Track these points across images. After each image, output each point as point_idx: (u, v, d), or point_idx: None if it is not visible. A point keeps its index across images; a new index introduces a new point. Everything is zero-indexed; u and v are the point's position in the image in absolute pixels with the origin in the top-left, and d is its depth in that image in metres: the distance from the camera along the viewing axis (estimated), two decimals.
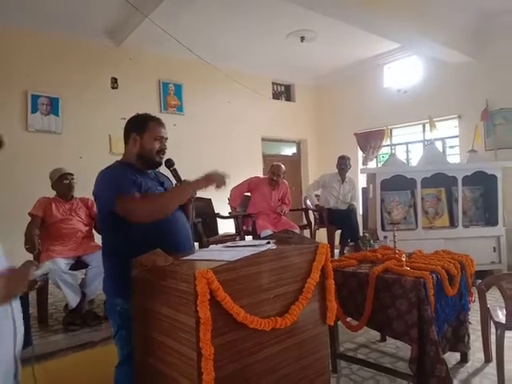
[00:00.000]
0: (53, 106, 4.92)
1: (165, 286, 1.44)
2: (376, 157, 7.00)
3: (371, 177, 4.56)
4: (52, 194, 3.33)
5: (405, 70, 6.61)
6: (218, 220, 4.69)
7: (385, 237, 3.51)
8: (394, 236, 2.52)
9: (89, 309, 3.01)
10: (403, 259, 2.30)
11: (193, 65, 5.87)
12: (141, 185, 1.70)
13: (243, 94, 6.46)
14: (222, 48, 5.75)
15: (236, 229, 4.69)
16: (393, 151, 6.67)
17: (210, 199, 4.61)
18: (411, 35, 5.03)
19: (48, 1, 4.32)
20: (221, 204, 4.76)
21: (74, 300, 2.85)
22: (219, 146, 6.31)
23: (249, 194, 4.69)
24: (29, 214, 3.13)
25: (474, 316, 2.80)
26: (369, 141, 6.85)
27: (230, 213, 4.69)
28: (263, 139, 7.15)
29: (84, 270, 3.04)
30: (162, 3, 4.25)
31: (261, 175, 5.84)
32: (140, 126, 1.78)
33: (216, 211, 4.67)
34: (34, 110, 4.80)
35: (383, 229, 4.35)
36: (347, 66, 6.90)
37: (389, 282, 2.16)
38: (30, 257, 2.95)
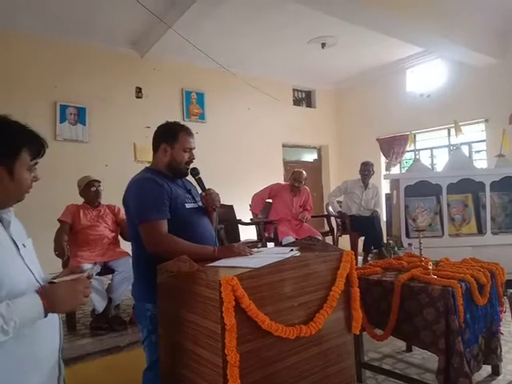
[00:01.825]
0: (80, 116, 5.08)
1: (190, 292, 1.46)
2: (399, 162, 6.89)
3: (395, 183, 4.48)
4: (80, 201, 3.43)
5: (428, 74, 6.50)
6: (240, 226, 4.71)
7: (409, 244, 3.44)
8: (420, 243, 2.47)
9: (115, 314, 3.07)
10: (430, 267, 2.25)
11: (214, 73, 5.96)
12: (171, 192, 1.73)
13: (264, 101, 6.50)
14: (242, 55, 5.81)
15: (258, 235, 4.70)
16: (417, 156, 6.54)
17: (231, 206, 4.65)
18: (434, 39, 4.96)
19: (76, 13, 4.48)
20: (242, 210, 4.79)
21: (100, 305, 2.91)
22: (240, 152, 6.36)
23: (270, 200, 4.70)
24: (58, 220, 3.24)
25: (506, 327, 2.70)
26: (392, 146, 6.75)
27: (251, 219, 4.70)
28: (284, 145, 7.15)
29: (110, 276, 3.11)
30: (184, 14, 4.34)
31: (282, 182, 5.83)
32: (171, 137, 1.81)
33: (238, 218, 4.69)
34: (63, 119, 4.98)
35: (408, 236, 4.26)
36: (369, 71, 6.84)
37: (415, 290, 2.12)
38: (59, 262, 3.05)
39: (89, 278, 1.19)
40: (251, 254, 1.73)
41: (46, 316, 1.05)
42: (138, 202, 1.71)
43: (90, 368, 2.49)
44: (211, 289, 1.35)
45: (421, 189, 4.28)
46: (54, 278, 1.16)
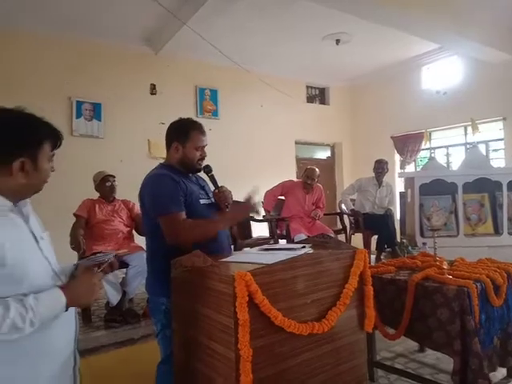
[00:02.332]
0: (95, 112, 5.15)
1: (204, 287, 1.48)
2: (414, 160, 6.80)
3: (409, 181, 4.42)
4: (96, 195, 3.49)
5: (444, 71, 6.39)
6: (252, 223, 4.72)
7: (424, 243, 3.40)
8: (435, 243, 2.44)
9: (128, 307, 3.12)
10: (445, 267, 2.22)
11: (228, 70, 5.96)
12: (186, 188, 1.75)
13: (277, 97, 6.48)
14: (255, 52, 5.80)
15: (270, 232, 4.70)
16: (432, 155, 6.44)
17: (245, 202, 4.65)
18: (451, 35, 4.87)
19: (91, 11, 4.53)
20: None
21: (114, 298, 2.96)
22: (253, 149, 6.36)
23: (283, 197, 4.69)
24: (74, 214, 3.30)
25: None
26: (407, 144, 6.67)
27: (263, 216, 4.70)
28: (297, 142, 7.13)
29: (124, 270, 3.16)
30: (198, 10, 4.35)
31: (294, 179, 5.82)
32: (182, 135, 1.82)
33: (250, 214, 4.70)
34: (79, 115, 5.05)
35: (422, 235, 4.20)
36: (384, 68, 6.76)
37: (429, 290, 2.09)
38: (75, 255, 3.11)
39: (111, 265, 1.25)
40: (256, 210, 1.81)
41: (66, 310, 1.09)
42: (155, 196, 1.73)
43: (104, 360, 2.54)
44: (225, 283, 1.36)
45: (436, 187, 4.21)
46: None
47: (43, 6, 4.33)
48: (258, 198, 1.86)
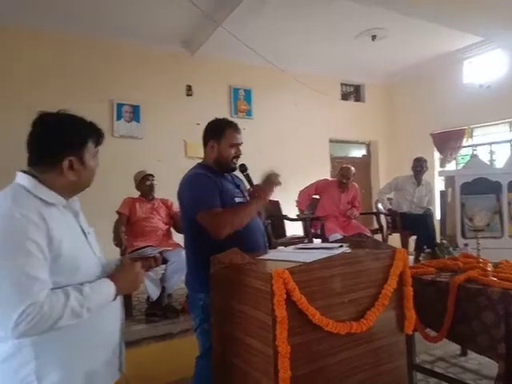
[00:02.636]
0: (135, 114, 5.33)
1: (241, 284, 1.50)
2: (455, 158, 6.53)
3: (450, 180, 4.28)
4: (136, 194, 3.62)
5: (488, 65, 6.09)
6: (286, 222, 4.72)
7: (465, 244, 3.27)
8: (478, 244, 2.35)
9: (168, 302, 3.22)
10: (489, 269, 2.14)
11: (261, 69, 5.99)
12: (222, 187, 1.79)
13: (311, 96, 6.43)
14: (289, 51, 5.78)
15: (304, 231, 4.69)
16: (474, 152, 6.17)
17: (277, 201, 4.67)
18: (495, 28, 4.65)
19: (130, 15, 4.68)
20: (288, 206, 4.79)
21: (154, 293, 3.07)
22: (286, 148, 6.34)
23: (317, 196, 4.66)
24: (117, 212, 3.45)
25: None
26: (447, 141, 6.42)
27: (297, 215, 4.69)
28: (331, 141, 7.04)
29: (164, 266, 3.26)
30: (233, 11, 4.41)
31: (329, 178, 5.76)
32: (217, 134, 1.89)
33: (284, 213, 4.71)
34: (119, 117, 5.25)
35: (463, 236, 4.06)
36: (422, 63, 6.53)
37: (472, 292, 2.02)
38: (118, 251, 3.25)
39: (155, 260, 1.34)
40: (277, 184, 1.86)
41: (115, 299, 1.18)
42: (193, 194, 1.78)
43: (145, 352, 2.64)
44: (262, 281, 1.38)
45: (479, 186, 4.05)
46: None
47: (82, 9, 4.52)
48: (275, 176, 1.93)
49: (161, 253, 1.41)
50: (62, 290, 1.06)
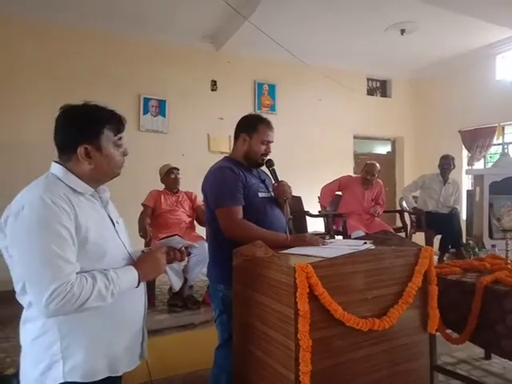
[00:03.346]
0: (160, 108, 5.42)
1: (264, 276, 1.52)
2: (484, 157, 6.33)
3: (478, 179, 4.17)
4: (161, 187, 3.70)
5: None
6: (308, 218, 4.70)
7: (493, 245, 3.20)
8: (507, 245, 2.29)
9: (189, 293, 3.29)
10: None
11: (285, 64, 5.96)
12: (246, 182, 1.81)
13: (335, 91, 6.36)
14: (314, 45, 5.72)
15: (325, 228, 4.66)
16: (505, 150, 5.96)
17: (300, 197, 4.66)
18: None
19: (157, 11, 4.74)
20: (310, 202, 4.78)
21: (177, 284, 3.14)
22: (310, 144, 6.31)
23: (340, 193, 4.62)
24: (142, 204, 3.53)
25: None
26: (476, 139, 6.22)
27: (319, 211, 4.67)
28: (355, 137, 6.95)
29: (186, 258, 3.32)
30: (259, 5, 4.40)
31: (352, 174, 5.69)
32: (251, 128, 1.90)
33: (305, 209, 4.69)
34: (145, 111, 5.35)
35: (491, 236, 3.96)
36: (452, 58, 6.34)
37: (499, 294, 1.97)
38: (143, 242, 3.33)
39: (181, 253, 1.41)
40: (323, 245, 1.75)
41: (138, 285, 1.22)
42: (215, 189, 1.81)
43: (167, 341, 2.70)
44: (286, 274, 1.39)
45: (508, 186, 3.93)
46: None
47: (111, 6, 4.61)
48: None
49: (186, 248, 1.43)
50: (88, 274, 1.11)
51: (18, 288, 1.15)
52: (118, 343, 1.22)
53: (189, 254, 1.47)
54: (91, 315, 1.13)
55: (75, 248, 1.10)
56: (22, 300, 1.16)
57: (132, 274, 1.21)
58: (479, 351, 2.71)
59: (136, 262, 1.27)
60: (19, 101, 4.64)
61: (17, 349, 2.66)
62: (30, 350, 1.16)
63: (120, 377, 1.28)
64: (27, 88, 4.69)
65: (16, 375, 2.20)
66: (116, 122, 1.24)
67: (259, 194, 1.87)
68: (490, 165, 6.16)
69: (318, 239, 1.79)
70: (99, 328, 1.17)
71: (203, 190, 1.91)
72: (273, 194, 1.94)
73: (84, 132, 1.19)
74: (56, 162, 1.21)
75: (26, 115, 4.63)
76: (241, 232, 1.73)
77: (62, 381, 1.12)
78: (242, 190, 1.80)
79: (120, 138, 1.26)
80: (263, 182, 1.95)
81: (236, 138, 1.96)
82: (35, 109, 4.62)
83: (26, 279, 1.08)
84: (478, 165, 6.33)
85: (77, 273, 1.09)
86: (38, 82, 4.74)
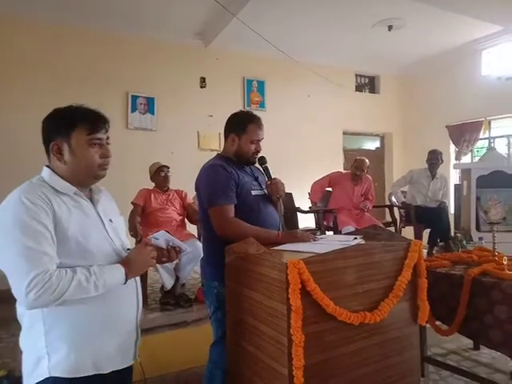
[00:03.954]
0: (149, 106, 5.38)
1: (257, 273, 1.53)
2: (471, 151, 6.43)
3: (466, 173, 4.22)
4: (150, 185, 3.67)
5: (507, 55, 5.94)
6: (299, 214, 4.73)
7: (480, 238, 3.24)
8: (494, 237, 2.33)
9: (181, 291, 3.28)
10: (504, 262, 2.12)
11: (274, 60, 5.97)
12: (239, 180, 1.81)
13: (324, 87, 6.39)
14: (303, 42, 5.73)
15: (316, 224, 4.69)
16: (491, 145, 6.06)
17: (290, 194, 4.68)
18: None
19: (145, 7, 4.70)
20: (301, 198, 4.80)
21: (169, 282, 3.13)
22: (299, 140, 6.33)
23: (330, 189, 4.65)
24: (132, 203, 3.50)
25: None
26: (463, 134, 6.31)
27: (310, 207, 4.70)
28: (344, 133, 7.00)
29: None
30: (248, 3, 4.39)
31: (342, 170, 5.74)
32: (239, 128, 1.87)
33: (296, 205, 4.72)
34: (134, 109, 5.31)
35: (478, 229, 4.02)
36: (439, 54, 6.41)
37: (487, 286, 2.01)
38: (133, 241, 3.31)
39: (169, 254, 1.40)
40: (314, 241, 1.76)
41: (125, 282, 1.22)
42: (207, 187, 1.81)
43: (159, 339, 2.70)
44: (278, 271, 1.40)
45: (495, 180, 3.99)
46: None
47: (100, 4, 4.56)
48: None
49: (174, 247, 1.42)
50: (69, 268, 1.13)
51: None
52: (107, 341, 1.22)
53: (179, 253, 1.45)
54: (76, 312, 1.15)
55: (54, 243, 1.12)
56: None
57: (118, 269, 1.21)
58: (468, 342, 2.76)
59: (123, 259, 1.26)
60: (7, 99, 4.55)
61: (8, 351, 2.64)
62: (23, 344, 1.21)
63: (128, 372, 1.31)
64: (15, 85, 4.61)
65: (7, 377, 2.19)
66: (91, 121, 1.24)
67: (252, 191, 1.86)
68: (477, 159, 6.26)
69: (310, 235, 1.80)
70: (84, 325, 1.18)
71: (196, 188, 1.90)
72: (266, 192, 1.94)
73: (55, 130, 1.22)
74: (47, 166, 1.26)
75: (14, 113, 4.55)
76: (232, 230, 1.73)
77: (48, 375, 1.14)
78: (235, 189, 1.80)
79: (97, 138, 1.24)
80: (256, 179, 1.95)
81: (226, 136, 1.94)
82: (23, 107, 4.55)
83: (8, 274, 1.10)
84: (466, 159, 6.43)
85: (58, 267, 1.11)
86: (26, 79, 4.67)
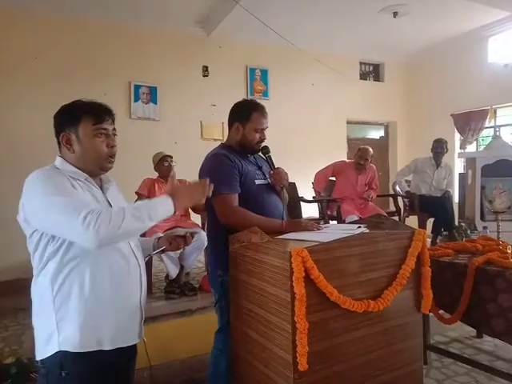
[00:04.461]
0: (152, 95, 5.35)
1: (261, 262, 1.53)
2: (476, 140, 6.38)
3: (471, 162, 4.20)
4: (153, 174, 3.68)
5: None
6: (302, 204, 4.73)
7: (484, 227, 3.23)
8: (498, 226, 2.32)
9: (186, 280, 3.31)
10: (509, 251, 2.12)
11: (278, 49, 5.90)
12: (242, 169, 1.81)
13: (328, 75, 6.32)
14: (307, 30, 5.66)
15: (320, 213, 4.69)
16: (497, 133, 6.00)
17: (294, 183, 4.67)
18: None
19: None
20: (305, 188, 4.79)
21: (173, 271, 3.16)
22: (303, 129, 6.29)
23: (333, 178, 4.64)
24: (136, 192, 3.52)
25: None
26: (468, 122, 6.25)
27: (314, 197, 4.69)
28: (348, 122, 6.95)
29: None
30: None
31: (346, 159, 5.71)
32: (244, 116, 1.87)
33: (300, 195, 4.71)
34: (136, 98, 5.28)
35: (482, 218, 4.01)
36: (444, 41, 6.32)
37: (491, 274, 2.01)
38: None
39: (185, 239, 1.52)
40: (318, 230, 1.76)
41: (175, 212, 1.29)
42: (211, 177, 1.80)
43: (164, 327, 2.73)
44: (282, 259, 1.41)
45: (500, 168, 3.96)
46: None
47: None
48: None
49: (191, 234, 1.50)
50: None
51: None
52: (111, 320, 1.27)
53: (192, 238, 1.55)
54: (83, 291, 1.21)
55: None
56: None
57: (165, 200, 1.26)
58: (471, 330, 2.77)
59: (173, 190, 1.31)
60: (7, 90, 4.55)
61: (15, 338, 2.69)
62: (35, 322, 1.27)
63: (132, 351, 1.36)
64: (14, 78, 4.59)
65: (15, 364, 2.23)
66: (95, 112, 1.30)
67: (256, 181, 1.86)
68: (482, 148, 6.21)
69: (313, 224, 1.80)
70: (91, 304, 1.22)
71: (200, 178, 1.90)
72: (270, 181, 1.94)
73: (64, 121, 1.30)
74: (59, 155, 1.34)
75: (14, 105, 4.54)
76: (236, 219, 1.74)
77: (58, 350, 1.21)
78: (238, 178, 1.79)
79: (103, 128, 1.30)
80: (260, 168, 1.95)
81: (230, 125, 1.93)
82: (23, 98, 4.55)
83: (55, 226, 1.16)
84: (471, 148, 6.38)
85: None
86: (27, 70, 4.65)
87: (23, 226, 1.24)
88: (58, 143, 1.33)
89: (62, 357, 1.21)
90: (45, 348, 1.23)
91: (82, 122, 1.28)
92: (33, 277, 1.26)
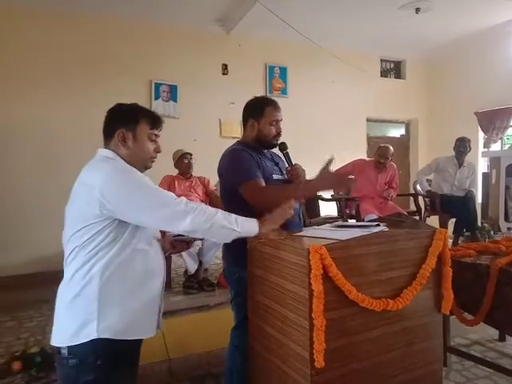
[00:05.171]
0: (172, 93, 5.41)
1: (279, 258, 1.54)
2: (501, 139, 6.20)
3: (495, 161, 4.10)
4: (173, 171, 3.73)
5: None
6: (320, 202, 4.71)
7: (509, 228, 3.17)
8: None
9: (204, 276, 3.35)
10: None
11: (297, 46, 5.88)
12: (260, 164, 1.82)
13: (348, 73, 6.26)
14: (327, 26, 5.60)
15: (338, 212, 4.66)
16: None
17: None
18: None
19: None
20: None
21: (192, 267, 3.20)
22: (322, 127, 6.25)
23: (352, 176, 4.59)
24: None
25: None
26: (493, 121, 6.08)
27: (332, 195, 4.66)
28: (368, 120, 6.86)
29: (200, 241, 3.37)
30: None
31: (365, 158, 5.64)
32: (257, 113, 1.88)
33: (318, 193, 4.68)
34: (157, 96, 5.35)
35: (507, 219, 3.92)
36: (468, 37, 6.14)
37: None
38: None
39: (187, 244, 1.62)
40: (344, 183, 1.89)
41: (258, 232, 1.48)
42: (234, 167, 1.81)
43: (182, 322, 2.77)
44: (300, 256, 1.41)
45: None
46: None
47: None
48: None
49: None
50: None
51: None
52: (142, 310, 1.33)
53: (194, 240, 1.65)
54: (125, 279, 1.29)
55: None
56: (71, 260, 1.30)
57: (251, 220, 1.46)
58: (493, 333, 2.71)
59: (263, 218, 1.51)
60: (18, 88, 4.61)
61: (40, 329, 2.78)
62: (69, 307, 1.28)
63: (140, 342, 1.42)
64: (34, 74, 4.68)
65: (40, 353, 2.31)
66: (153, 118, 1.44)
67: (273, 175, 1.87)
68: (507, 147, 6.04)
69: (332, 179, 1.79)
70: (129, 294, 1.30)
71: (219, 172, 1.92)
72: (287, 177, 1.94)
73: (123, 119, 1.40)
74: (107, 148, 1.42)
75: (33, 102, 4.62)
76: (267, 199, 1.73)
77: (95, 337, 1.24)
78: (258, 169, 1.81)
79: (155, 135, 1.45)
80: (277, 164, 1.95)
81: (244, 123, 1.95)
82: (45, 95, 4.65)
83: (154, 215, 1.29)
84: (495, 147, 6.20)
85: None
86: (46, 68, 4.74)
87: (83, 215, 1.27)
88: (108, 137, 1.41)
89: (98, 344, 1.23)
90: (76, 335, 1.24)
91: (140, 123, 1.40)
92: (65, 267, 1.31)
